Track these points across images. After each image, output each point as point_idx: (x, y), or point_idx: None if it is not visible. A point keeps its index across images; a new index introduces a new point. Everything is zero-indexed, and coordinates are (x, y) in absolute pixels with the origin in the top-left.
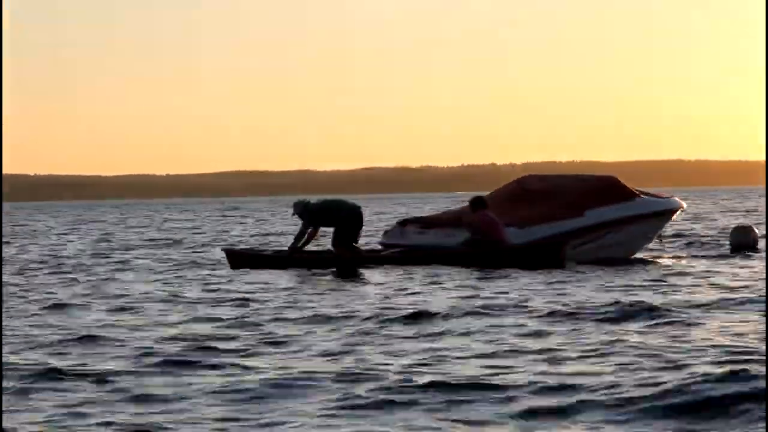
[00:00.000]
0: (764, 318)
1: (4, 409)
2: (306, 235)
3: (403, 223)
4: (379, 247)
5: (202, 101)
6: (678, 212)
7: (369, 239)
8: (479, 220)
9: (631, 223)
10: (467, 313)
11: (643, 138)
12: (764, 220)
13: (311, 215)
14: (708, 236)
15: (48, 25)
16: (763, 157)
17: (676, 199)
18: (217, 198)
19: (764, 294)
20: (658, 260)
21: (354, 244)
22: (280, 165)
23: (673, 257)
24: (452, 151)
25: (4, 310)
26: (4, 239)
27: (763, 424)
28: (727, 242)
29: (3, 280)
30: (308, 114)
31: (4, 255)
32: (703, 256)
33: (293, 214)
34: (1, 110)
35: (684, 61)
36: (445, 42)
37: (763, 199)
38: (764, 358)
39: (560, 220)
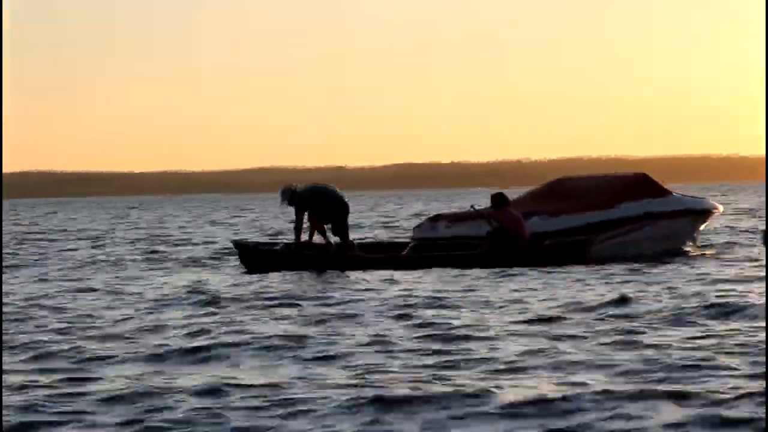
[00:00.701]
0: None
1: None
2: (303, 223)
3: (435, 218)
4: (410, 242)
5: (235, 98)
6: (712, 214)
7: (396, 234)
8: (501, 217)
9: (663, 220)
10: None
11: (671, 134)
12: (765, 217)
13: (301, 200)
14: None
15: (69, 23)
16: None
17: (711, 201)
18: (247, 194)
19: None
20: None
21: (346, 238)
22: (311, 161)
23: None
24: (482, 148)
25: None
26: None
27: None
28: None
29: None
30: (338, 111)
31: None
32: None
33: (282, 202)
34: (0, 109)
35: (712, 56)
36: (475, 38)
37: None
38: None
39: (588, 212)
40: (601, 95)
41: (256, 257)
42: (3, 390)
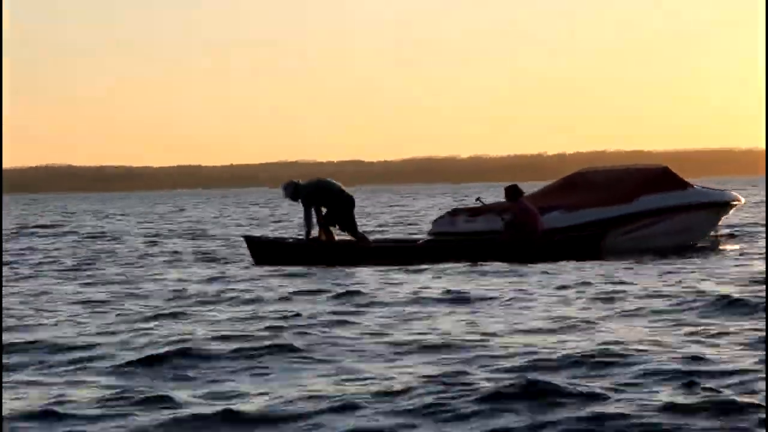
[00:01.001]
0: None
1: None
2: (312, 217)
3: (454, 213)
4: (428, 237)
5: (252, 92)
6: (735, 206)
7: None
8: (515, 209)
9: (683, 213)
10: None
11: (693, 127)
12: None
13: (307, 194)
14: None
15: (96, 16)
16: None
17: (733, 193)
18: (268, 189)
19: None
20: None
21: (356, 231)
22: (330, 156)
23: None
24: (501, 142)
25: None
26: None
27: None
28: None
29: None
30: (357, 105)
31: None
32: None
33: (285, 197)
34: (0, 107)
35: (736, 48)
36: (494, 31)
37: None
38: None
39: (607, 206)
40: (621, 88)
41: (265, 250)
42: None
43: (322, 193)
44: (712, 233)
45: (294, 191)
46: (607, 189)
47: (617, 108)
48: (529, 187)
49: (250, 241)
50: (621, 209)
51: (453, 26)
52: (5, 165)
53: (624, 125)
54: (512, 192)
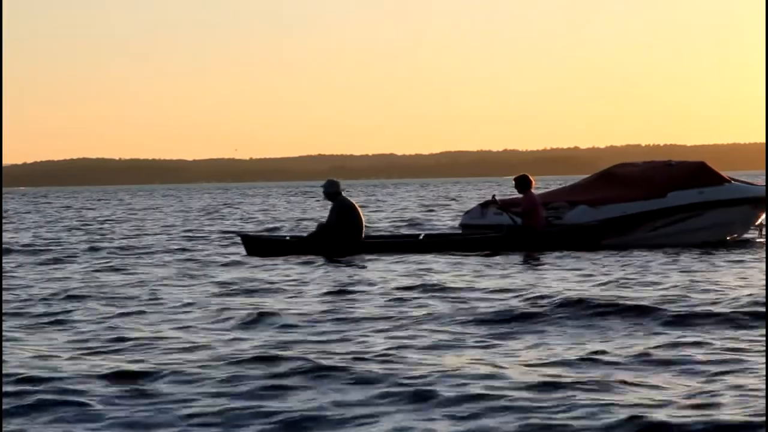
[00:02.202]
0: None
1: None
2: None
3: (485, 205)
4: (459, 230)
5: (285, 86)
6: None
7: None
8: (522, 200)
9: (718, 208)
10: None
11: (729, 121)
12: None
13: (343, 207)
14: None
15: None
16: None
17: None
18: (302, 182)
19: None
20: None
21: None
22: (362, 149)
23: None
24: (535, 135)
25: None
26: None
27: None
28: None
29: None
30: (389, 98)
31: None
32: None
33: (326, 191)
34: (0, 105)
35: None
36: (527, 25)
37: None
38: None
39: (636, 201)
40: (657, 81)
41: (260, 247)
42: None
43: (348, 212)
44: (754, 228)
45: (334, 193)
46: (640, 184)
47: (652, 101)
48: (562, 181)
49: (246, 238)
50: (650, 204)
51: (488, 19)
52: (37, 158)
53: (659, 119)
54: (520, 183)
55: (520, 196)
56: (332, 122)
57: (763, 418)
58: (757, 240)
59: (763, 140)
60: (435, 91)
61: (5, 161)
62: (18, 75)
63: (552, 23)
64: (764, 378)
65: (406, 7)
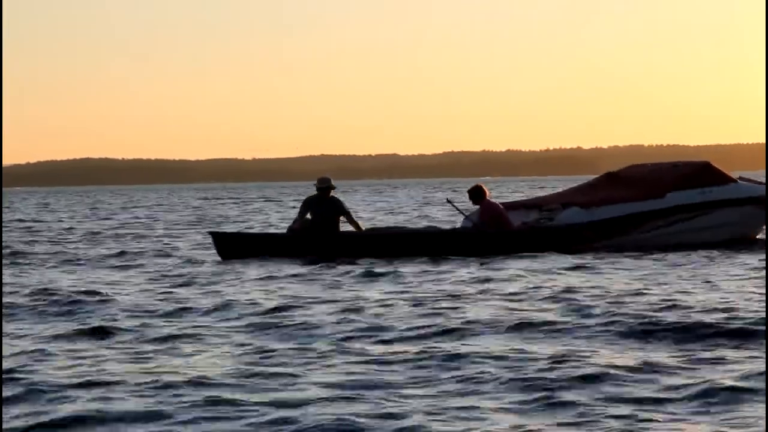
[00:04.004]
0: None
1: None
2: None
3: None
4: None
5: (288, 85)
6: None
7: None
8: (479, 210)
9: (721, 208)
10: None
11: (732, 121)
12: None
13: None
14: None
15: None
16: None
17: None
18: (305, 182)
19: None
20: None
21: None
22: (364, 149)
23: None
24: (537, 135)
25: None
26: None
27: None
28: None
29: None
30: (391, 98)
31: None
32: None
33: (319, 186)
34: (0, 104)
35: None
36: (528, 24)
37: None
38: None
39: (631, 202)
40: (660, 82)
41: (230, 244)
42: None
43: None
44: (761, 229)
45: (326, 190)
46: (640, 185)
47: (656, 101)
48: (565, 183)
49: (217, 236)
50: (647, 205)
51: (490, 19)
52: (42, 158)
53: (662, 119)
54: (473, 194)
55: (476, 207)
56: (335, 122)
57: None
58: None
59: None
60: (438, 91)
61: (7, 161)
62: (21, 74)
63: (554, 23)
64: None
65: (408, 7)
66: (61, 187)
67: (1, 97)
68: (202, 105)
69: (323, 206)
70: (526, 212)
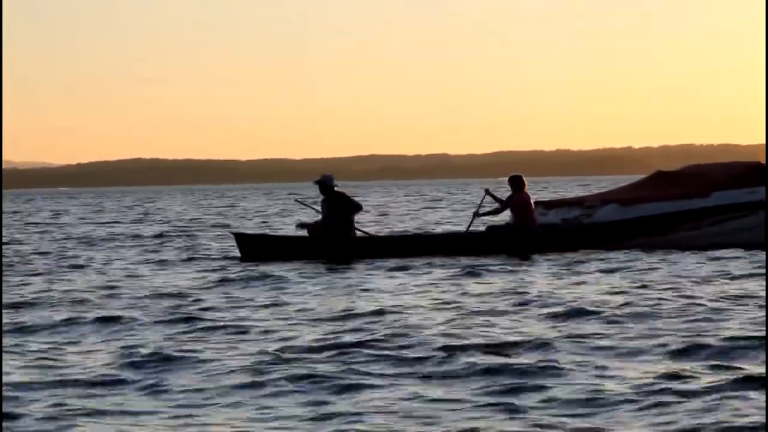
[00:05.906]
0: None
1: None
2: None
3: (539, 204)
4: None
5: (338, 86)
6: None
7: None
8: (514, 201)
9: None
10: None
11: None
12: None
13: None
14: None
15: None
16: None
17: None
18: (355, 181)
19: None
20: None
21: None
22: (414, 149)
23: None
24: (587, 135)
25: None
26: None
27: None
28: None
29: None
30: (441, 98)
31: None
32: None
33: (321, 184)
34: (1, 104)
35: None
36: (582, 23)
37: None
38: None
39: (676, 200)
40: (712, 81)
41: (252, 245)
42: None
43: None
44: None
45: (324, 189)
46: (686, 183)
47: (707, 101)
48: (614, 181)
49: (239, 237)
50: (691, 203)
51: (542, 19)
52: (101, 158)
53: (714, 118)
54: (513, 183)
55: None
56: (385, 122)
57: None
58: None
59: None
60: (488, 90)
61: (60, 161)
62: (75, 77)
63: (608, 23)
64: None
65: (462, 7)
66: (112, 188)
67: (1, 97)
68: (252, 105)
69: (330, 205)
70: (568, 209)
